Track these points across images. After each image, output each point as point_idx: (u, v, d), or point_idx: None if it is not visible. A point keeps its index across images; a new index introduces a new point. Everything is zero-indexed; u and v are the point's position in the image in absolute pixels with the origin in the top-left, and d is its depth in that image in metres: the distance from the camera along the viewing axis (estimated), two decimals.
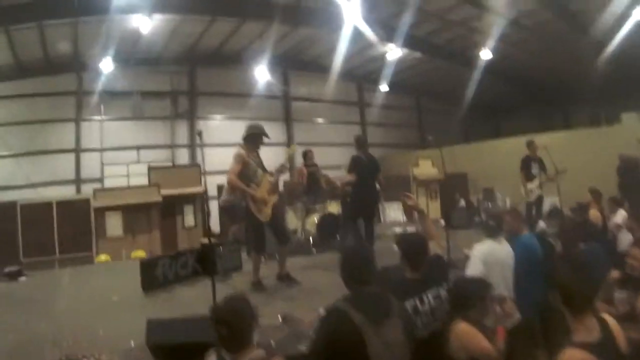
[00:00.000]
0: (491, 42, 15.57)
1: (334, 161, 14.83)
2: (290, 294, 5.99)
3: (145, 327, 3.91)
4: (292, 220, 9.48)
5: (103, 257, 12.38)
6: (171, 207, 14.19)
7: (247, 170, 6.05)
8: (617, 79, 16.26)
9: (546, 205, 10.31)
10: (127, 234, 13.26)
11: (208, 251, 7.02)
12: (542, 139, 11.47)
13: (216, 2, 12.92)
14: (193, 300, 6.05)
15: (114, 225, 13.19)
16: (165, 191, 13.68)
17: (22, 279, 8.62)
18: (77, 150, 15.93)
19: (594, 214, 6.06)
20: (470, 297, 3.23)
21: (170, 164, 17.02)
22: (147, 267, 6.50)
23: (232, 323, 2.51)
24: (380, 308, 2.65)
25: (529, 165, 10.08)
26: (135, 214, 13.33)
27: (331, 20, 14.13)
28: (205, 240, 7.94)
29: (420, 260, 3.40)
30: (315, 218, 9.28)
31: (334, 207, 9.59)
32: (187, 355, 3.52)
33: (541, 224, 8.72)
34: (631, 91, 16.81)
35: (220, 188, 15.43)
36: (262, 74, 17.44)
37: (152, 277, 6.48)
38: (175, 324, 3.96)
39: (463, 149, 19.11)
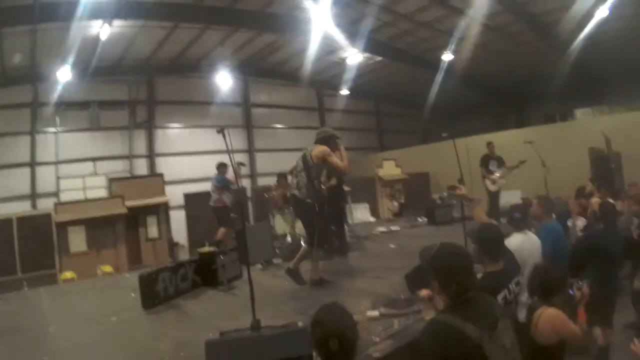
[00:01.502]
0: (452, 44, 15.98)
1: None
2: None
3: (205, 350, 3.50)
4: (281, 225, 9.37)
5: (68, 275, 11.77)
6: (134, 219, 13.72)
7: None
8: (574, 78, 16.91)
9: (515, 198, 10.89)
10: (92, 248, 12.73)
11: (208, 261, 6.87)
12: (503, 137, 12.24)
13: (180, 8, 12.57)
14: (202, 314, 5.86)
15: (78, 240, 12.62)
16: (129, 203, 13.24)
17: None
18: (33, 164, 15.20)
19: (596, 201, 6.30)
20: (556, 285, 3.36)
21: (128, 174, 16.50)
22: (147, 282, 6.08)
23: (346, 336, 2.29)
24: (489, 314, 2.43)
25: (487, 162, 11.42)
26: (100, 228, 12.80)
27: (296, 25, 14.09)
28: (204, 250, 7.64)
29: (501, 250, 3.40)
30: None
31: None
32: None
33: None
34: (586, 89, 17.71)
35: (188, 196, 15.28)
36: (223, 81, 17.26)
37: (153, 293, 6.10)
38: (237, 342, 3.55)
39: (422, 150, 19.55)
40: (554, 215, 5.67)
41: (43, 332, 5.67)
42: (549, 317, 3.21)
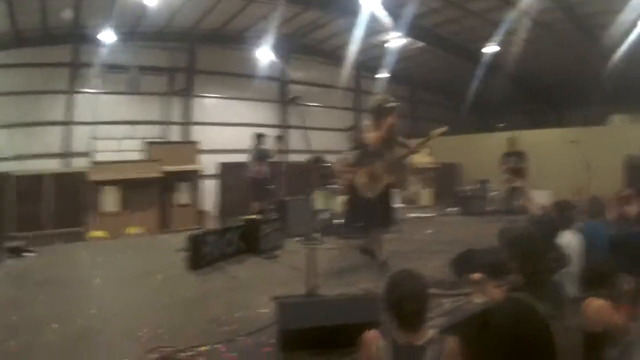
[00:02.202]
0: (498, 36, 15.69)
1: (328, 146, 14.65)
2: None
3: (277, 309, 3.66)
4: (319, 201, 9.42)
5: (99, 233, 12.02)
6: (166, 184, 13.89)
7: None
8: (614, 83, 16.55)
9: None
10: (124, 209, 12.92)
11: (253, 228, 6.94)
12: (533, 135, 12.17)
13: None
14: (249, 279, 5.93)
15: (111, 200, 12.81)
16: (164, 167, 13.40)
17: (30, 255, 7.74)
18: (69, 123, 15.35)
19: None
20: (604, 277, 3.43)
21: (162, 140, 16.64)
22: (196, 243, 6.20)
23: (421, 298, 2.45)
24: (557, 297, 2.71)
25: (505, 159, 11.25)
26: (134, 189, 12.98)
27: (342, 4, 13.97)
28: (249, 217, 7.69)
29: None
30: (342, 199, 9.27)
31: None
32: (332, 340, 3.41)
33: None
34: (625, 96, 17.38)
35: (224, 165, 15.40)
36: (264, 55, 17.23)
37: (200, 254, 6.22)
38: (310, 305, 3.68)
39: (455, 140, 19.39)
40: None
41: (88, 286, 5.74)
42: (596, 306, 3.33)
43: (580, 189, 6.11)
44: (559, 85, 20.74)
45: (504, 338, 2.48)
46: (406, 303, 2.41)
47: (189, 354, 3.49)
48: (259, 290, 5.24)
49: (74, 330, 4.16)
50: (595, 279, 3.54)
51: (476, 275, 3.74)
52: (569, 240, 4.62)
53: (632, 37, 14.17)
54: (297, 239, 8.25)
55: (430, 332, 2.47)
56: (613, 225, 6.44)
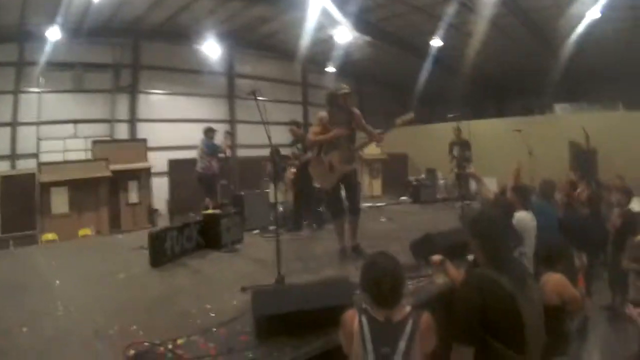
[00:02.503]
0: (442, 30, 16.23)
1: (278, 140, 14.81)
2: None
3: (252, 298, 3.84)
4: (274, 195, 9.57)
5: (50, 236, 11.76)
6: (115, 183, 13.71)
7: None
8: (556, 74, 17.42)
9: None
10: (74, 210, 12.69)
11: (213, 223, 7.06)
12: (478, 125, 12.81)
13: None
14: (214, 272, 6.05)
15: (60, 201, 12.55)
16: (112, 166, 13.23)
17: None
18: (14, 124, 14.83)
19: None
20: (559, 254, 3.91)
21: (109, 138, 16.32)
22: (157, 240, 6.24)
23: (398, 276, 2.66)
24: (519, 272, 2.85)
25: (452, 148, 12.31)
26: (83, 190, 12.78)
27: None
28: (208, 212, 7.77)
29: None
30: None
31: None
32: (307, 324, 3.61)
33: None
34: (566, 86, 18.37)
35: (173, 162, 15.26)
36: (210, 50, 17.17)
37: (162, 250, 6.27)
38: (284, 292, 3.91)
39: (400, 132, 19.86)
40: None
41: (49, 289, 5.63)
42: (554, 281, 3.75)
43: (517, 171, 6.56)
44: (503, 77, 21.61)
45: (472, 311, 2.64)
46: (384, 281, 2.59)
47: (167, 346, 3.54)
48: (225, 283, 5.40)
49: (45, 333, 4.12)
50: (551, 256, 3.99)
51: (436, 257, 3.99)
52: (524, 220, 4.85)
53: (577, 31, 15.02)
54: (255, 232, 8.43)
55: (407, 309, 2.67)
56: (560, 207, 7.01)
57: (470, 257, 3.96)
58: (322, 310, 3.56)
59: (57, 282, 5.91)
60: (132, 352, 3.48)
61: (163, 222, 14.59)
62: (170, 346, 3.56)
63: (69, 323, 4.35)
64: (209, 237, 7.17)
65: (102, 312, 4.60)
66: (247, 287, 4.84)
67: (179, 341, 3.67)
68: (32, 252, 8.50)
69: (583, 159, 13.23)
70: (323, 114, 6.25)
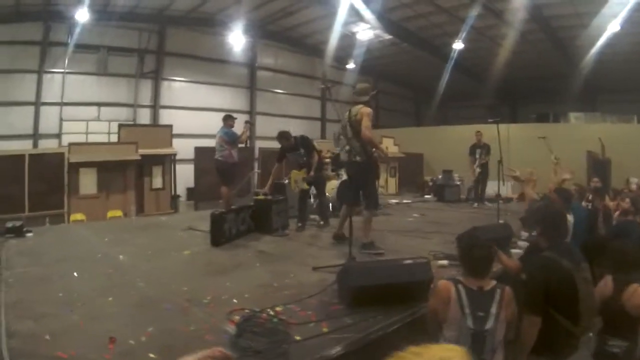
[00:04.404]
0: (464, 33, 16.47)
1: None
2: None
3: (343, 271, 4.15)
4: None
5: (78, 216, 11.90)
6: (140, 167, 13.83)
7: None
8: (573, 84, 17.73)
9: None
10: (101, 192, 12.80)
11: (265, 208, 7.30)
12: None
13: None
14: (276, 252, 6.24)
15: (89, 182, 12.65)
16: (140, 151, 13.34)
17: (29, 234, 7.59)
18: (37, 104, 14.98)
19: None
20: (603, 249, 4.03)
21: (131, 122, 16.47)
22: (218, 221, 6.52)
23: (488, 247, 3.13)
24: (575, 255, 3.38)
25: (474, 150, 12.36)
26: (111, 172, 12.88)
27: None
28: (259, 197, 7.93)
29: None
30: (334, 183, 9.75)
31: None
32: (393, 297, 3.94)
33: None
34: (582, 96, 18.69)
35: (197, 150, 15.30)
36: (233, 40, 17.33)
37: (221, 231, 6.53)
38: (370, 269, 4.16)
39: (417, 132, 20.20)
40: None
41: (115, 261, 5.68)
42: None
43: (531, 173, 6.79)
44: (519, 83, 21.89)
45: (539, 287, 3.15)
46: (476, 250, 3.03)
47: (269, 313, 3.67)
48: (293, 261, 5.62)
49: (133, 300, 4.12)
50: (596, 250, 4.20)
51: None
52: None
53: (594, 49, 15.43)
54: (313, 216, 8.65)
55: (493, 282, 3.05)
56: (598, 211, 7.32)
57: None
58: (407, 284, 3.95)
59: (121, 256, 5.96)
60: (236, 317, 3.55)
61: (183, 209, 14.75)
62: (271, 312, 3.71)
63: (154, 292, 4.39)
64: (261, 221, 7.40)
65: (186, 283, 4.66)
66: (318, 267, 5.11)
67: (278, 308, 3.85)
68: (76, 229, 8.61)
69: (600, 167, 13.63)
70: (370, 110, 6.14)
